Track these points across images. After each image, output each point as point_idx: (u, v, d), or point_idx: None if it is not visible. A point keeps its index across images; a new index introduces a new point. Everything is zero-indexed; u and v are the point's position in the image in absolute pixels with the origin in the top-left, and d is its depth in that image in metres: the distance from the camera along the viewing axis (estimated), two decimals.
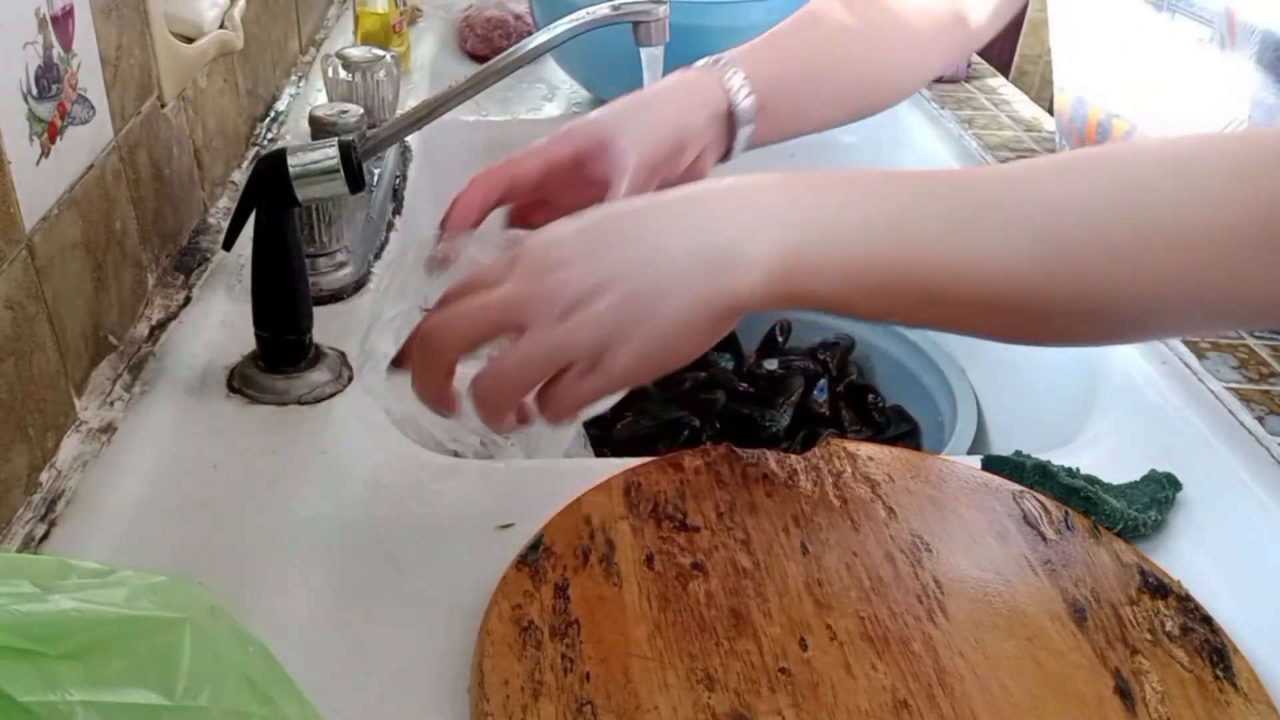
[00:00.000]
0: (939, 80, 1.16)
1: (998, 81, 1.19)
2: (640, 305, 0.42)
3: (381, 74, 0.87)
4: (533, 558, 0.50)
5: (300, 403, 0.61)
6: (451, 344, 0.43)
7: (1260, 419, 0.62)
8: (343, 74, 0.86)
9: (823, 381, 0.87)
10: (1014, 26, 0.90)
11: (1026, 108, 1.12)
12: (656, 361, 0.43)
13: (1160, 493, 0.57)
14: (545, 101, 1.14)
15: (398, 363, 0.46)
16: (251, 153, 0.91)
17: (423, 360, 0.44)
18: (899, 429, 0.85)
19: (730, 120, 0.63)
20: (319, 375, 0.62)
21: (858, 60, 0.71)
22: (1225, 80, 0.67)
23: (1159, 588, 0.51)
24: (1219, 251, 0.39)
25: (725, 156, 0.66)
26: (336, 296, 0.72)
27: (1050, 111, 0.89)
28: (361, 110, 0.76)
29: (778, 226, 0.42)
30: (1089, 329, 0.43)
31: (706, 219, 0.43)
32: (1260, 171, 0.39)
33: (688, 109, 0.62)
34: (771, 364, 0.90)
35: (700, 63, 0.65)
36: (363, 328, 0.58)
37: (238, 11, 0.82)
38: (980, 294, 0.41)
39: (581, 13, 0.62)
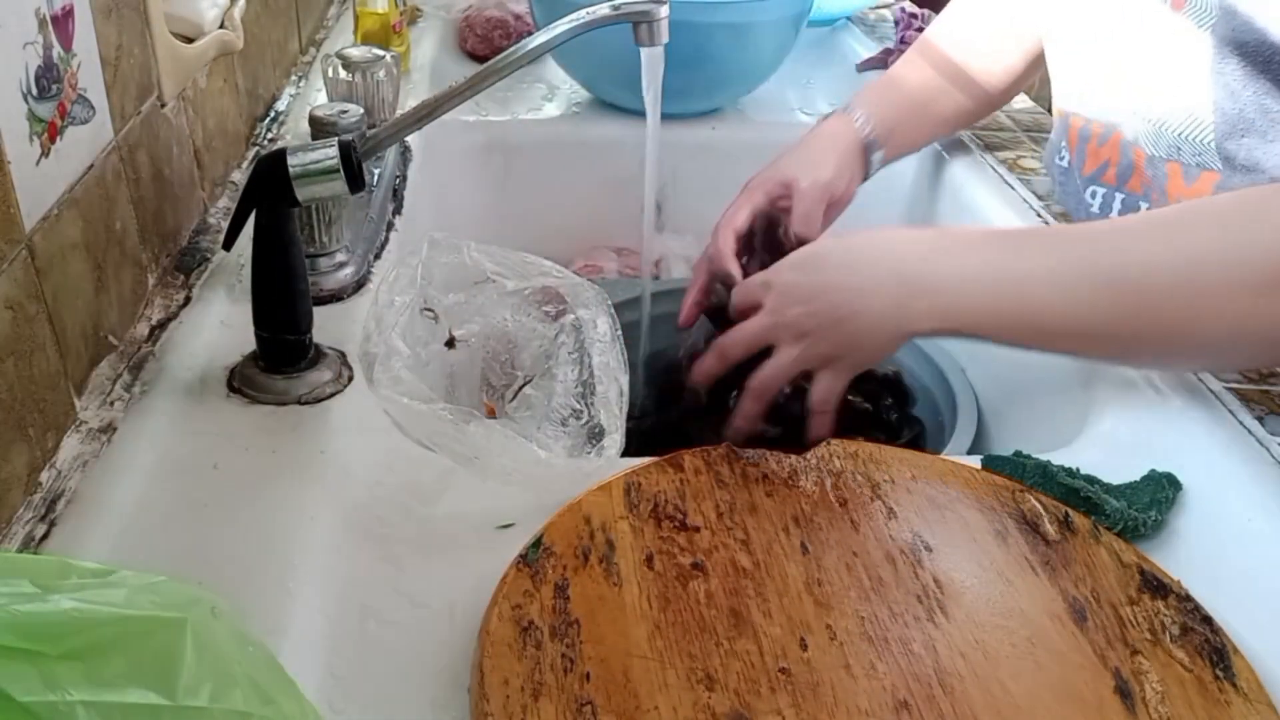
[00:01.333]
0: None
1: None
2: (853, 332, 0.63)
3: (381, 74, 0.87)
4: (533, 558, 0.50)
5: (300, 403, 0.61)
6: (732, 354, 0.67)
7: (1260, 419, 0.62)
8: (343, 74, 0.86)
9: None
10: None
11: (1026, 107, 1.12)
12: (859, 366, 0.65)
13: (1160, 493, 0.57)
14: (545, 101, 1.14)
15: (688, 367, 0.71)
16: (251, 153, 0.91)
17: (715, 359, 0.67)
18: (912, 431, 0.85)
19: (865, 153, 0.87)
20: (319, 375, 0.62)
21: (954, 91, 0.92)
22: (1187, 61, 0.67)
23: (1159, 588, 0.51)
24: (1230, 294, 0.54)
25: (865, 177, 0.88)
26: (336, 296, 0.72)
27: (1049, 110, 0.90)
28: (361, 110, 0.76)
29: (938, 282, 0.61)
30: (1140, 356, 0.62)
31: (896, 267, 0.62)
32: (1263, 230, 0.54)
33: (835, 150, 0.85)
34: None
35: (836, 111, 0.89)
36: (363, 327, 0.58)
37: (238, 11, 0.82)
38: (1067, 328, 0.59)
39: (581, 13, 0.62)
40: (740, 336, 0.66)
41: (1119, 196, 0.77)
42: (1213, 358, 0.61)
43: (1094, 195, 0.79)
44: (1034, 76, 0.93)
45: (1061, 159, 0.84)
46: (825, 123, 0.88)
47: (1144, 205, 0.74)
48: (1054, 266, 0.58)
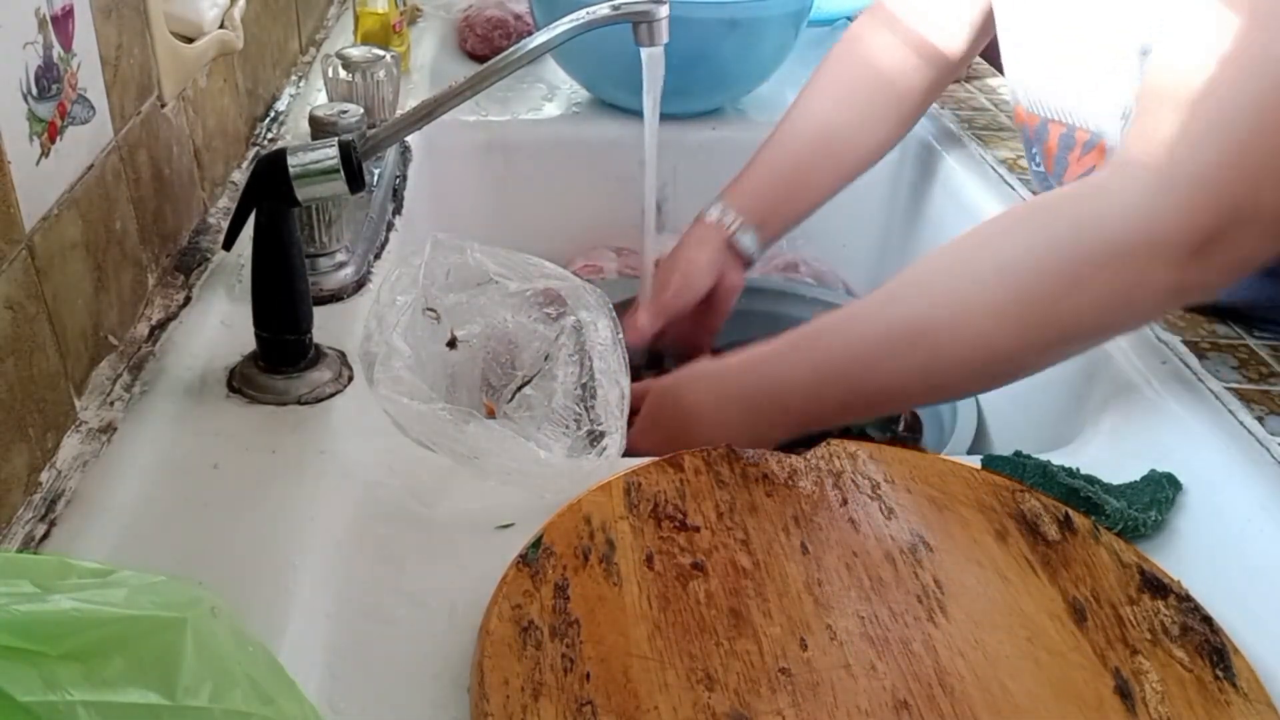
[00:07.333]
0: None
1: (997, 81, 1.19)
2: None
3: (381, 74, 0.87)
4: (533, 558, 0.50)
5: (300, 403, 0.61)
6: None
7: (1260, 419, 0.62)
8: (343, 74, 0.86)
9: None
10: None
11: None
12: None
13: (1160, 493, 0.57)
14: (545, 101, 1.14)
15: None
16: (251, 153, 0.91)
17: None
18: (911, 431, 0.85)
19: (737, 247, 0.88)
20: (319, 375, 0.62)
21: (831, 154, 0.90)
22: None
23: (1159, 588, 0.51)
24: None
25: (750, 264, 0.91)
26: (336, 296, 0.72)
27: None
28: (361, 110, 0.76)
29: (785, 398, 0.66)
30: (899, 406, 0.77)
31: (747, 397, 0.67)
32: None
33: (703, 257, 0.87)
34: None
35: (707, 213, 0.88)
36: (364, 326, 0.59)
37: (238, 11, 0.82)
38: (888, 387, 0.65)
39: (581, 13, 0.62)
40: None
41: None
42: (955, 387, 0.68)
43: None
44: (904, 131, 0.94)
45: (1038, 165, 0.83)
46: (695, 228, 0.89)
47: None
48: (864, 333, 0.64)
